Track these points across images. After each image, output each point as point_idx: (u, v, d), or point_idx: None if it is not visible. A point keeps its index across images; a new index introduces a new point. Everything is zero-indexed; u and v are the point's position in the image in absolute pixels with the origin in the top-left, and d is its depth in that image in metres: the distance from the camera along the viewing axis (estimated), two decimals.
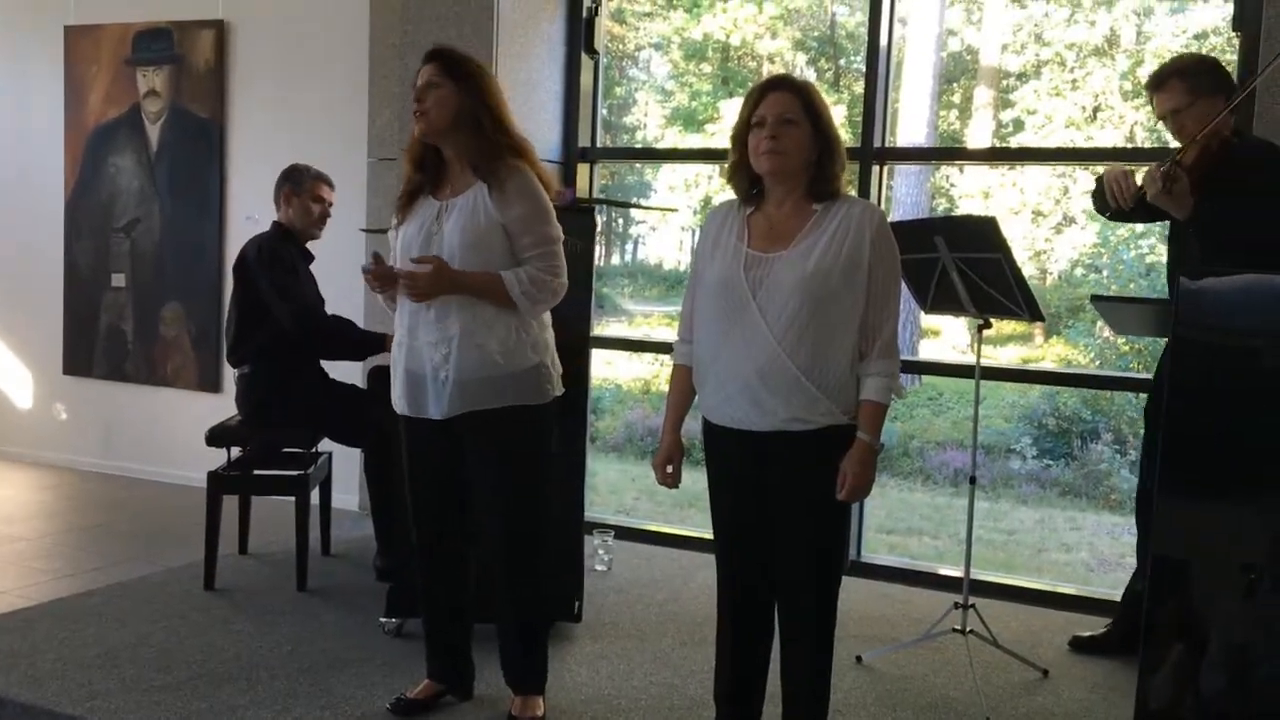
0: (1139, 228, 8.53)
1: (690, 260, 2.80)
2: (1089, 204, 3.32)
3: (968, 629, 3.53)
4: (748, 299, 2.45)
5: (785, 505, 2.51)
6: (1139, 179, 3.17)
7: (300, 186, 4.21)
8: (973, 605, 3.57)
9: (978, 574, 3.82)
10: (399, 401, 2.93)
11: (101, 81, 5.90)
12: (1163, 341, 3.20)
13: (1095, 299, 3.07)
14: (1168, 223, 3.44)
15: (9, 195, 6.23)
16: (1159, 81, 3.29)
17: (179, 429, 5.68)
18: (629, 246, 17.46)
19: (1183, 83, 3.22)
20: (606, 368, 10.31)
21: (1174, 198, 3.05)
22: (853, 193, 2.73)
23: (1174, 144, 3.34)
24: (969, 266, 3.35)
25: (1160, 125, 3.37)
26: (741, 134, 2.52)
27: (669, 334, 11.83)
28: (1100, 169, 3.48)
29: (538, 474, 2.93)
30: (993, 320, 3.50)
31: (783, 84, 2.51)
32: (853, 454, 2.45)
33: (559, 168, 5.17)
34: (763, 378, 2.44)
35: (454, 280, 2.77)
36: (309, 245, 4.31)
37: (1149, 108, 3.35)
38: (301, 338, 4.10)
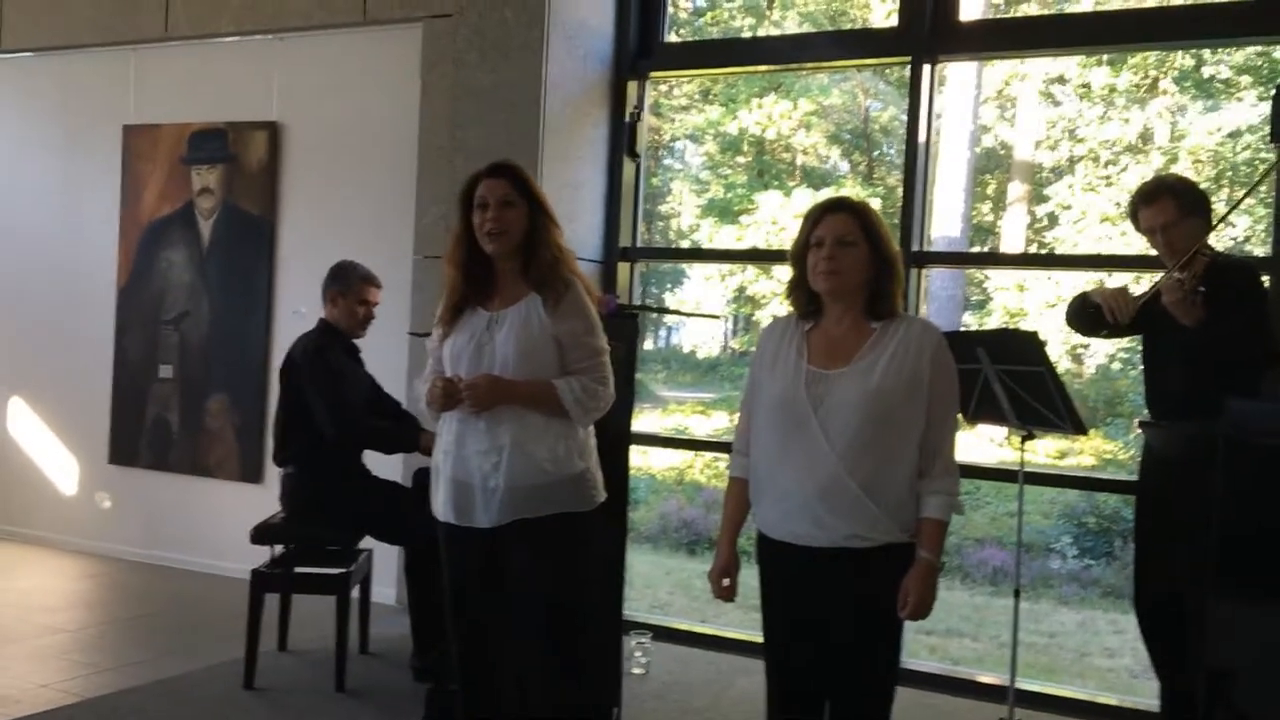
0: None
1: (747, 374, 2.85)
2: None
3: None
4: (809, 415, 2.48)
5: (840, 623, 2.50)
6: (1134, 293, 3.34)
7: (347, 288, 4.28)
8: None
9: (1021, 683, 3.78)
10: (443, 509, 2.95)
11: (157, 179, 6.08)
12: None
13: (1143, 424, 3.11)
14: (1140, 338, 3.55)
15: (64, 285, 6.39)
16: (1151, 196, 3.40)
17: (221, 520, 5.73)
18: (663, 332, 17.56)
19: (1175, 200, 3.34)
20: (640, 457, 10.30)
21: (1192, 305, 3.13)
22: None
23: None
24: (1011, 379, 3.37)
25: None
26: (800, 253, 2.57)
27: (703, 422, 11.81)
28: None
29: (582, 580, 2.94)
30: (1036, 432, 3.51)
31: (841, 206, 2.57)
32: (915, 573, 2.46)
33: (600, 267, 5.26)
34: (823, 495, 2.45)
35: (509, 390, 2.82)
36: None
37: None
38: (340, 444, 4.16)
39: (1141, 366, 3.55)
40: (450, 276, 2.98)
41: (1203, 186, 3.49)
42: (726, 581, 2.65)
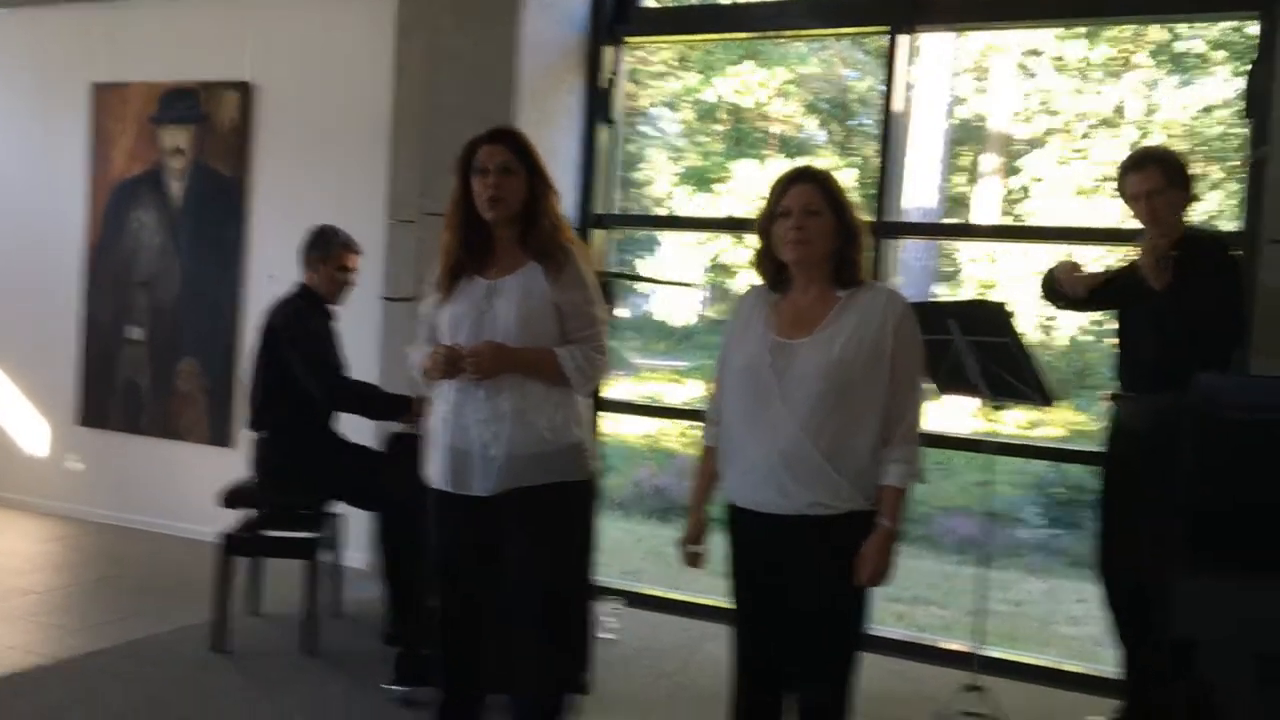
0: None
1: (720, 342, 2.88)
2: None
3: (978, 712, 3.53)
4: (772, 385, 2.50)
5: (805, 590, 2.53)
6: (1086, 271, 3.48)
7: (327, 254, 4.25)
8: (983, 687, 3.57)
9: (987, 650, 3.83)
10: (440, 477, 2.92)
11: (127, 138, 6.00)
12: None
13: (1112, 396, 3.15)
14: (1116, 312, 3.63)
15: (32, 246, 6.31)
16: (1140, 164, 3.47)
17: (191, 483, 5.70)
18: (637, 300, 17.54)
19: (1162, 169, 3.42)
20: (613, 424, 10.31)
21: (1162, 271, 3.24)
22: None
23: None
24: (981, 350, 3.40)
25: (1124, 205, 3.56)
26: (766, 224, 2.58)
27: (676, 390, 11.83)
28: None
29: (576, 549, 2.96)
30: (1006, 403, 3.54)
31: (807, 176, 2.58)
32: (873, 540, 2.48)
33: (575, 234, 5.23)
34: (786, 463, 2.47)
35: (511, 358, 2.80)
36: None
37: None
38: (331, 408, 4.16)
39: (1113, 340, 3.60)
40: (446, 242, 2.93)
41: None
42: (696, 549, 2.68)
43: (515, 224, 2.87)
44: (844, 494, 2.48)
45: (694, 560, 2.69)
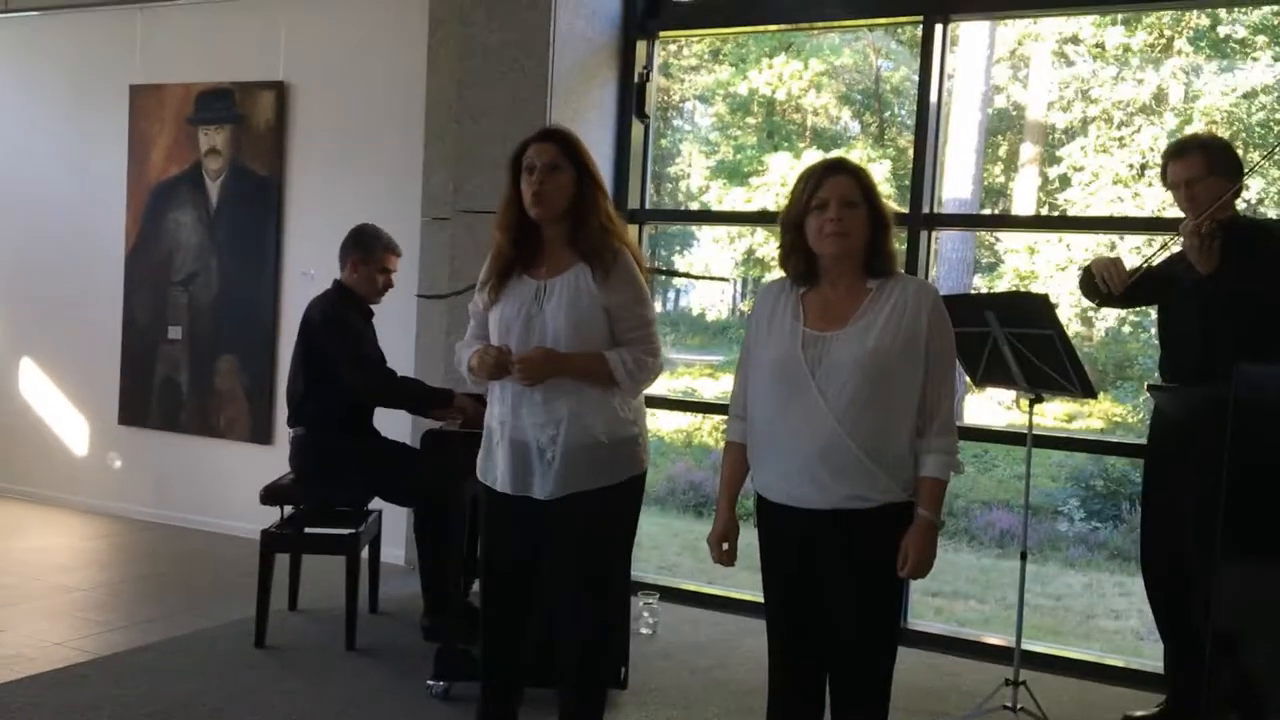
0: None
1: (744, 336, 2.83)
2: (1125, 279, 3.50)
3: (1018, 706, 3.50)
4: (807, 378, 2.47)
5: (842, 583, 2.51)
6: (1127, 267, 3.44)
7: (370, 255, 4.27)
8: (1023, 682, 3.54)
9: (1027, 644, 3.80)
10: (500, 479, 2.90)
11: (164, 139, 6.06)
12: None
13: (1151, 388, 3.11)
14: (1156, 307, 3.61)
15: (72, 247, 6.39)
16: (1181, 150, 3.45)
17: (231, 480, 5.76)
18: (671, 295, 17.55)
19: (1204, 156, 3.38)
20: (649, 419, 10.32)
21: (1207, 252, 3.19)
22: (900, 249, 2.74)
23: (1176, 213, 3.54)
24: (1021, 342, 3.36)
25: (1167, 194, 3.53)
26: (798, 217, 2.54)
27: (711, 385, 11.82)
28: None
29: (620, 549, 2.96)
30: (1044, 395, 3.51)
31: (843, 167, 2.54)
32: (914, 531, 2.46)
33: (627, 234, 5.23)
34: (823, 457, 2.45)
35: (562, 363, 2.78)
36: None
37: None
38: (375, 402, 4.18)
39: (1153, 331, 3.57)
40: (498, 241, 2.91)
41: None
42: (725, 546, 2.65)
43: (564, 223, 2.84)
44: (881, 485, 2.45)
45: (724, 558, 2.67)
